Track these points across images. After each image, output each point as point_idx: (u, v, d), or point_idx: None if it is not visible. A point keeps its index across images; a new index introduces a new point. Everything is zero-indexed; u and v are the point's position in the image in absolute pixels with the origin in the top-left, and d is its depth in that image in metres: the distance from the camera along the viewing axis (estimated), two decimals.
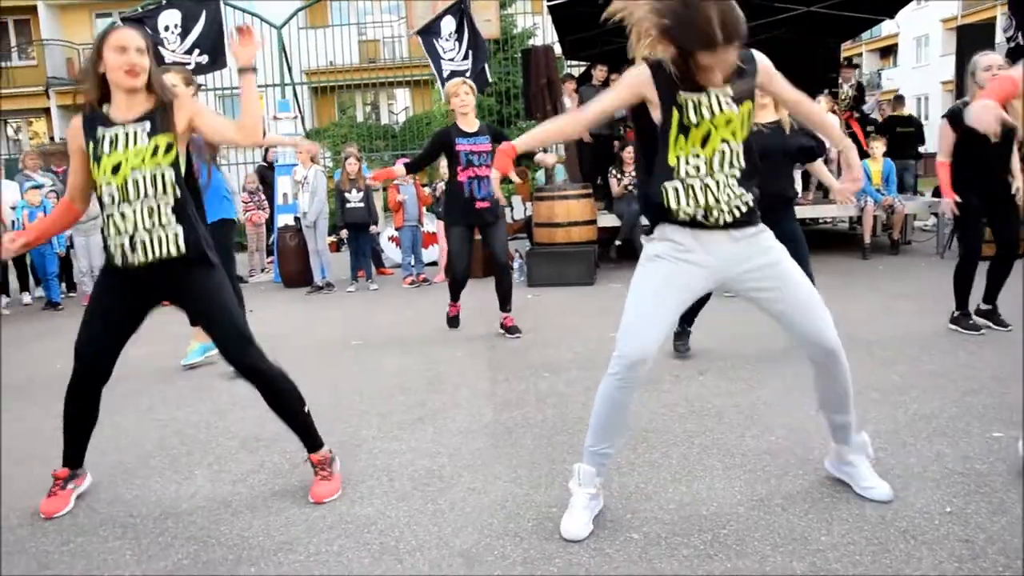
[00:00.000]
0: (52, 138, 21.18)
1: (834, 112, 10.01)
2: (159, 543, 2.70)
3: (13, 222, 8.80)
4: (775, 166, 4.61)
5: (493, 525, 2.69)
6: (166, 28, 10.01)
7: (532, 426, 3.71)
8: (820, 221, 12.24)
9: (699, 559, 2.39)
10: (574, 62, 13.38)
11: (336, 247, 11.70)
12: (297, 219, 9.41)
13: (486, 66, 10.35)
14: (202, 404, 4.39)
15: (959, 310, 5.16)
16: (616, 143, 10.19)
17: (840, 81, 11.10)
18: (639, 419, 3.68)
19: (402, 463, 3.32)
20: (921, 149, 11.92)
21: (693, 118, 2.44)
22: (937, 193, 10.60)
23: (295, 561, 2.52)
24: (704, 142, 2.47)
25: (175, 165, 2.83)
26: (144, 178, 2.77)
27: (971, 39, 9.34)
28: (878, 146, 9.18)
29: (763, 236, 2.61)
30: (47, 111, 22.69)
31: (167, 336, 5.86)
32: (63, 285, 9.54)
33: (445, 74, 10.11)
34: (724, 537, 2.51)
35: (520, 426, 3.72)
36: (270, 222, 10.95)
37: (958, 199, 4.95)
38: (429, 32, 10.24)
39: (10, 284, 9.42)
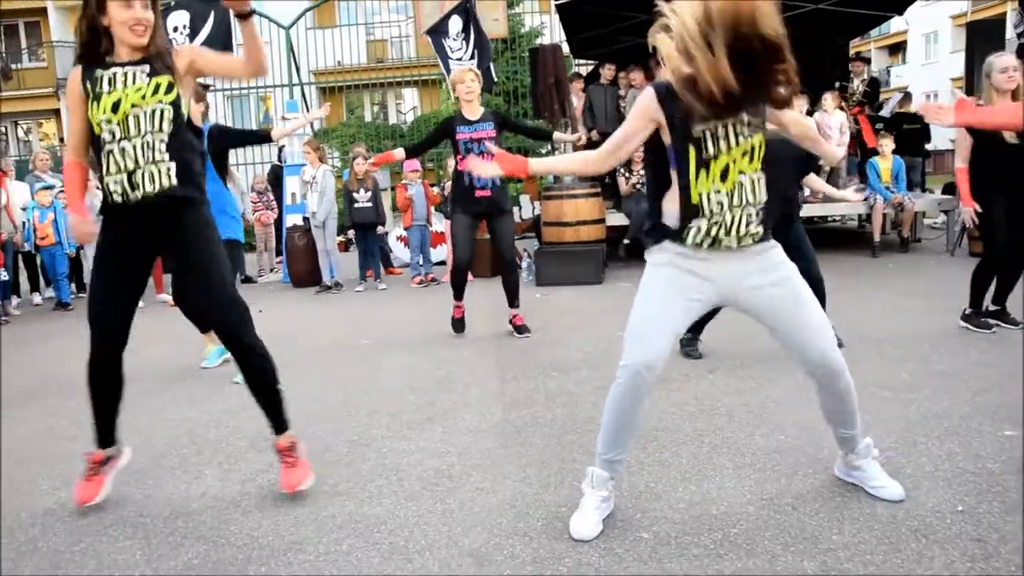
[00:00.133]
0: (62, 139, 21.28)
1: (841, 109, 9.96)
2: (169, 543, 2.71)
3: (24, 223, 8.85)
4: (780, 174, 4.60)
5: (502, 525, 2.69)
6: (175, 29, 10.03)
7: (541, 425, 3.71)
8: (829, 219, 12.22)
9: (709, 558, 2.38)
10: (582, 61, 13.36)
11: (345, 247, 11.73)
12: (306, 219, 9.43)
13: (491, 65, 10.34)
14: (212, 404, 4.40)
15: (972, 308, 5.13)
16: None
17: (851, 75, 11.03)
18: (649, 418, 3.67)
19: (411, 462, 3.32)
20: (928, 147, 11.85)
21: (711, 151, 2.42)
22: (947, 190, 10.58)
23: (305, 561, 2.52)
24: (724, 176, 2.44)
25: (175, 104, 2.82)
26: (144, 114, 2.76)
27: (981, 35, 9.30)
28: (887, 143, 9.14)
29: (773, 252, 2.58)
30: (57, 112, 22.81)
31: (177, 337, 5.89)
32: (73, 286, 9.57)
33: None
34: (734, 536, 2.50)
35: (529, 425, 3.72)
36: (279, 222, 10.97)
37: (979, 208, 4.90)
38: (438, 32, 10.25)
39: (21, 285, 9.47)
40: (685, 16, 2.18)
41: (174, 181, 2.82)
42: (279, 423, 3.08)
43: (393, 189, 11.08)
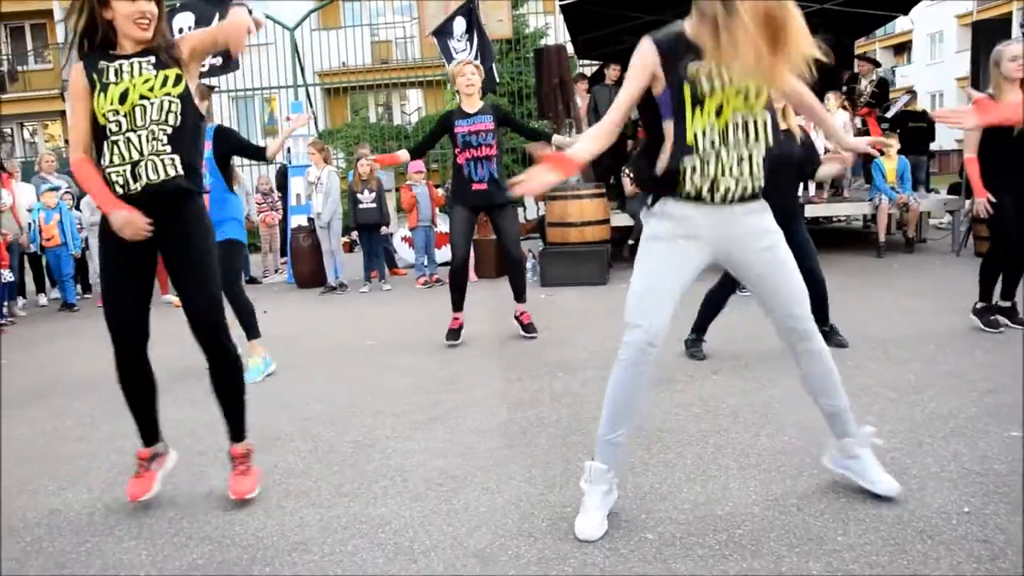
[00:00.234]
0: (67, 141, 21.34)
1: (844, 108, 9.94)
2: (174, 543, 2.71)
3: (30, 224, 8.88)
4: (784, 176, 4.62)
5: (507, 525, 2.69)
6: (180, 31, 10.05)
7: (546, 426, 3.71)
8: (834, 219, 12.18)
9: (714, 559, 2.38)
10: (586, 61, 13.36)
11: (349, 248, 11.74)
12: (310, 220, 9.44)
13: (493, 67, 10.34)
14: (215, 405, 4.39)
15: (982, 302, 5.12)
16: (629, 143, 10.17)
17: (859, 76, 11.00)
18: (653, 419, 3.67)
19: (416, 463, 3.32)
20: (932, 146, 11.83)
21: (706, 88, 2.43)
22: (953, 190, 10.56)
23: (309, 561, 2.52)
24: (718, 113, 2.46)
25: (183, 97, 2.81)
26: (152, 106, 2.75)
27: (987, 35, 9.25)
28: (892, 143, 9.12)
29: (765, 216, 2.63)
30: (63, 114, 22.86)
31: (180, 338, 5.89)
32: (79, 287, 9.60)
33: None
34: (739, 537, 2.50)
35: (534, 426, 3.72)
36: (284, 223, 10.99)
37: (992, 198, 4.85)
38: (443, 33, 10.25)
39: (27, 286, 9.50)
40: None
41: (179, 171, 2.80)
42: (239, 430, 3.09)
43: (398, 190, 11.08)
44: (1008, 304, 5.12)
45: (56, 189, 9.01)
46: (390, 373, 4.94)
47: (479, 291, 7.90)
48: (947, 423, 3.40)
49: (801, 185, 5.68)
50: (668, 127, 2.52)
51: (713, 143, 2.47)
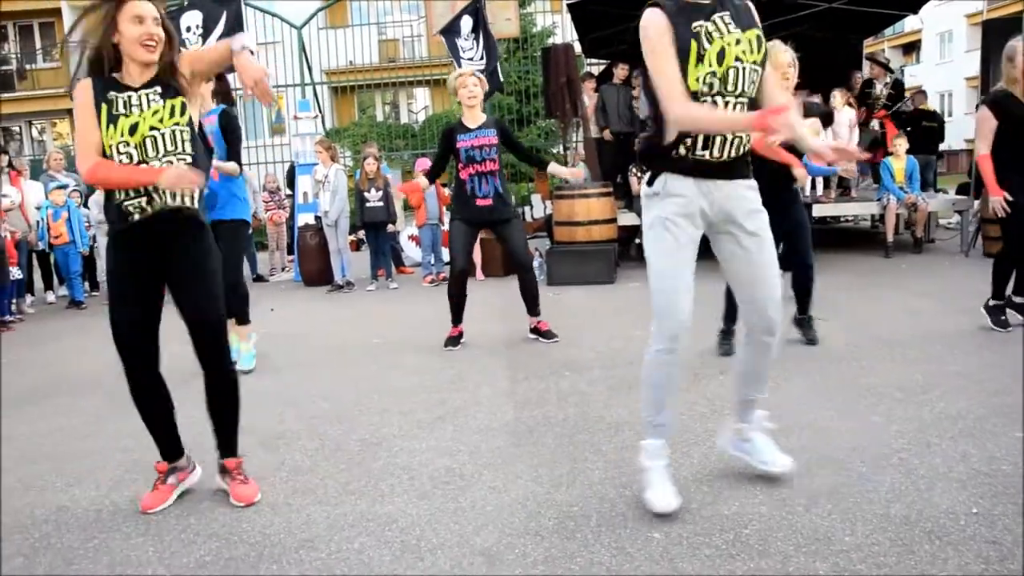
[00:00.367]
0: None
1: (850, 105, 9.91)
2: (181, 540, 2.72)
3: (38, 222, 8.91)
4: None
5: (514, 524, 2.68)
6: (188, 29, 10.07)
7: (553, 425, 3.70)
8: (841, 219, 12.16)
9: (721, 559, 2.37)
10: (594, 60, 13.35)
11: (356, 246, 11.75)
12: (318, 218, 9.46)
13: (498, 67, 10.33)
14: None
15: (995, 299, 5.09)
16: (636, 142, 10.16)
17: (873, 81, 10.96)
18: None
19: (423, 461, 3.32)
20: (941, 147, 11.80)
21: (706, 43, 2.50)
22: (962, 190, 10.52)
23: (316, 559, 2.53)
24: (720, 59, 2.51)
25: (190, 124, 2.85)
26: (163, 136, 2.76)
27: (997, 34, 9.20)
28: (901, 143, 9.09)
29: (754, 196, 2.69)
30: (70, 112, 22.94)
31: (186, 337, 5.90)
32: (86, 284, 9.64)
33: None
34: (746, 537, 2.49)
35: (541, 425, 3.71)
36: (291, 221, 11.01)
37: (1008, 196, 4.79)
38: (450, 31, 10.26)
39: (35, 283, 9.53)
40: None
41: (196, 201, 2.86)
42: (234, 444, 3.09)
43: None
44: (1022, 300, 5.08)
45: (64, 187, 9.05)
46: (397, 372, 4.94)
47: (485, 290, 7.91)
48: (955, 423, 3.38)
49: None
50: None
51: (712, 87, 2.53)
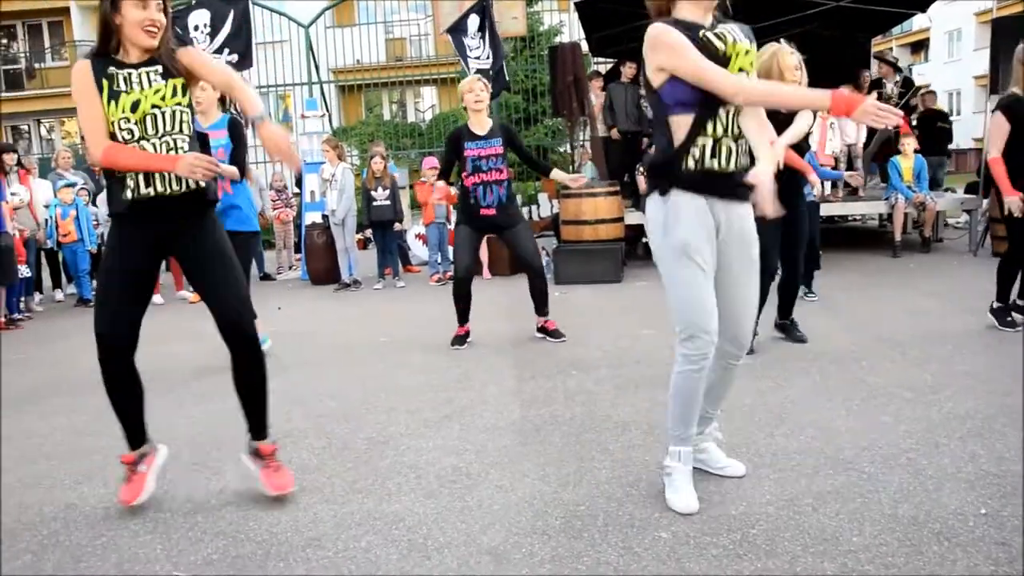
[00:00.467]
0: (83, 137, 21.48)
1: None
2: (189, 538, 2.72)
3: (46, 220, 8.94)
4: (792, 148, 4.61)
5: (521, 523, 2.68)
6: (195, 28, 10.10)
7: (560, 424, 3.70)
8: (849, 218, 12.12)
9: (728, 559, 2.37)
10: (601, 59, 13.33)
11: (363, 245, 11.77)
12: (325, 216, 9.47)
13: (504, 66, 10.32)
14: (231, 400, 4.40)
15: (1000, 302, 5.07)
16: (644, 140, 10.15)
17: (883, 81, 10.91)
18: (667, 418, 3.65)
19: (429, 460, 3.33)
20: (949, 146, 11.76)
21: (719, 47, 2.53)
22: (970, 189, 10.48)
23: (323, 557, 2.53)
24: (726, 67, 2.54)
25: (190, 106, 2.85)
26: (164, 115, 2.76)
27: (1006, 32, 9.16)
28: (909, 142, 9.05)
29: (750, 220, 2.74)
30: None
31: (196, 334, 5.93)
32: (94, 282, 9.65)
33: (472, 71, 10.13)
34: (753, 537, 2.49)
35: (548, 424, 3.71)
36: (298, 219, 11.03)
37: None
38: (457, 30, 10.26)
39: (43, 281, 9.57)
40: None
41: (197, 186, 2.82)
42: (264, 426, 3.07)
43: (411, 187, 11.11)
44: None
45: (72, 185, 9.07)
46: (404, 370, 4.94)
47: (493, 289, 7.91)
48: (964, 424, 3.37)
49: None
50: (675, 121, 2.60)
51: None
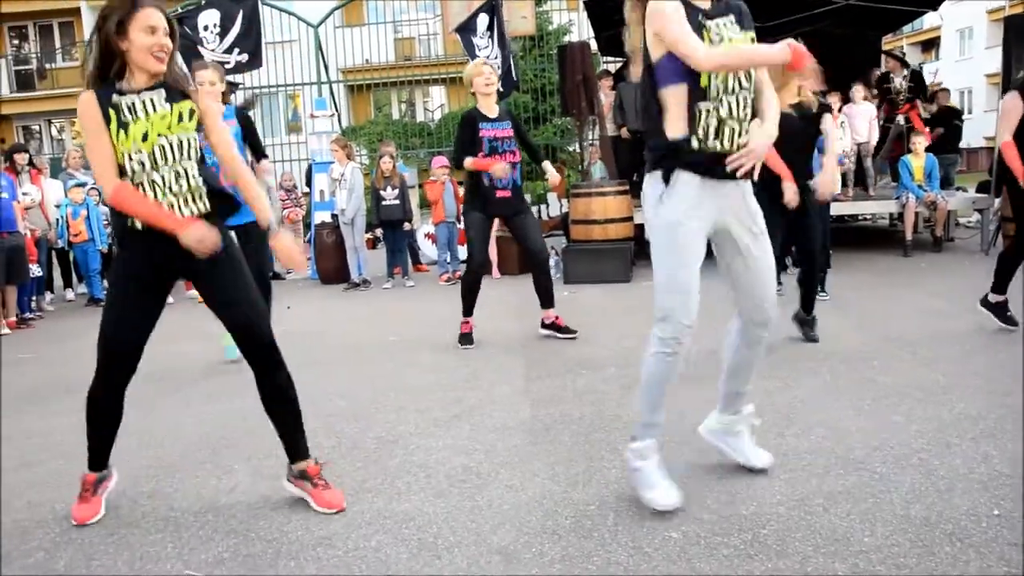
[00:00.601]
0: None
1: (866, 100, 9.82)
2: (199, 536, 2.73)
3: (57, 220, 8.98)
4: (796, 150, 4.59)
5: (531, 522, 2.68)
6: (205, 28, 10.13)
7: (569, 423, 3.70)
8: (860, 217, 12.07)
9: (739, 559, 2.36)
10: (610, 58, 13.32)
11: (373, 244, 11.79)
12: (334, 216, 9.49)
13: (512, 67, 10.31)
14: (241, 399, 4.42)
15: (996, 293, 4.97)
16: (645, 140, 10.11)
17: (890, 75, 10.86)
18: (682, 417, 3.65)
19: (439, 459, 3.33)
20: (960, 144, 11.72)
21: (715, 39, 2.54)
22: (981, 188, 10.42)
23: (334, 556, 2.54)
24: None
25: (199, 130, 2.83)
26: (171, 144, 2.73)
27: (1019, 30, 9.12)
28: (920, 141, 9.01)
29: (752, 198, 2.75)
30: None
31: (205, 334, 5.94)
32: (105, 282, 9.69)
33: None
34: (764, 537, 2.48)
35: (558, 423, 3.71)
36: (308, 219, 11.05)
37: None
38: (466, 29, 10.26)
39: (54, 281, 9.61)
40: None
41: (207, 207, 2.81)
42: (305, 446, 2.98)
43: (421, 186, 11.12)
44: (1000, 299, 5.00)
45: (83, 185, 9.11)
46: (413, 370, 4.95)
47: (502, 288, 7.91)
48: (976, 424, 3.35)
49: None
50: (671, 93, 2.61)
51: (718, 89, 2.58)
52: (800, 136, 4.59)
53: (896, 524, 2.51)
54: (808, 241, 4.93)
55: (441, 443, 3.53)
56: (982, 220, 9.20)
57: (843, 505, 2.66)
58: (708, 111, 2.58)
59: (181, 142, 2.76)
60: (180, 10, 10.55)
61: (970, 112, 29.23)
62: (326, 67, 12.38)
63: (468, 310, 5.52)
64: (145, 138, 2.69)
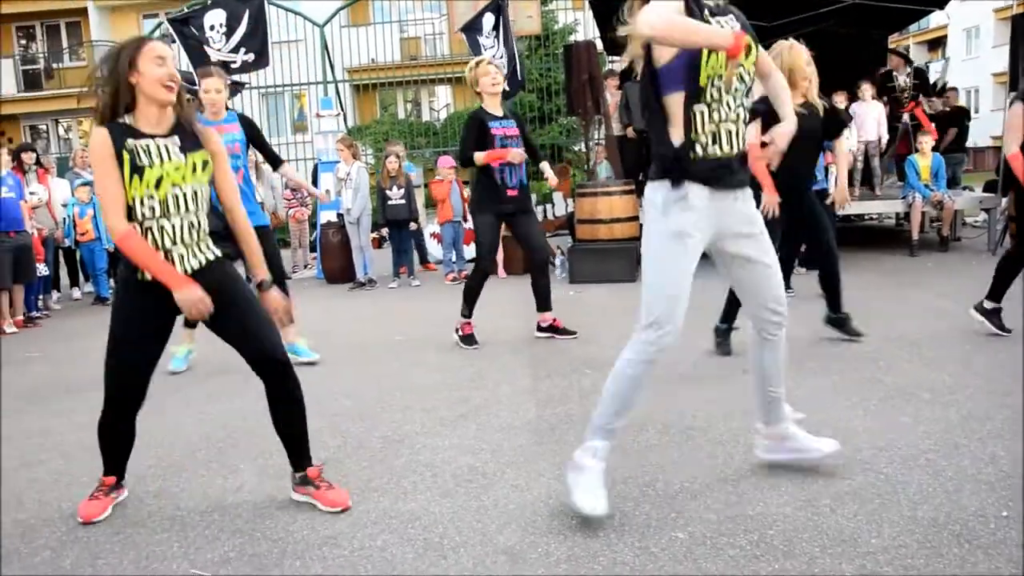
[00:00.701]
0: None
1: (873, 99, 9.79)
2: (205, 536, 2.73)
3: (64, 219, 9.00)
4: (805, 149, 4.57)
5: (537, 522, 2.68)
6: (211, 28, 10.14)
7: (575, 423, 3.69)
8: (866, 217, 12.04)
9: (745, 559, 2.35)
10: (615, 57, 13.28)
11: (378, 244, 11.80)
12: (340, 215, 9.50)
13: (518, 67, 10.30)
14: (247, 399, 4.42)
15: (990, 300, 4.91)
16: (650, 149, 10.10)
17: (893, 74, 10.83)
18: (683, 417, 3.65)
19: (445, 459, 3.32)
20: (967, 143, 11.72)
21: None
22: (988, 188, 10.39)
23: (339, 556, 2.54)
24: (726, 62, 2.51)
25: (211, 181, 2.88)
26: (185, 194, 2.76)
27: None
28: (927, 140, 8.98)
29: (751, 202, 2.74)
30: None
31: (208, 333, 5.95)
32: (112, 281, 9.72)
33: None
34: (771, 538, 2.47)
35: (563, 423, 3.70)
36: (313, 218, 11.06)
37: None
38: (472, 29, 10.27)
39: (61, 279, 9.64)
40: None
41: (218, 253, 2.88)
42: (308, 452, 2.99)
43: (427, 186, 11.12)
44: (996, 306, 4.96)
45: (89, 184, 9.13)
46: (419, 369, 4.95)
47: (507, 288, 7.90)
48: (984, 425, 3.34)
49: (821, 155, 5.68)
50: (672, 100, 2.59)
51: (720, 91, 2.55)
52: (809, 138, 4.58)
53: (903, 525, 2.50)
54: (821, 242, 4.91)
55: (447, 443, 3.53)
56: (989, 220, 9.16)
57: (850, 506, 2.66)
58: (703, 113, 2.55)
59: (195, 192, 2.80)
60: (186, 10, 10.58)
61: (977, 111, 29.13)
62: (332, 66, 12.40)
63: (470, 311, 5.51)
64: (159, 185, 2.72)
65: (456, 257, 9.29)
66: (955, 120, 10.79)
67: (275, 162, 5.55)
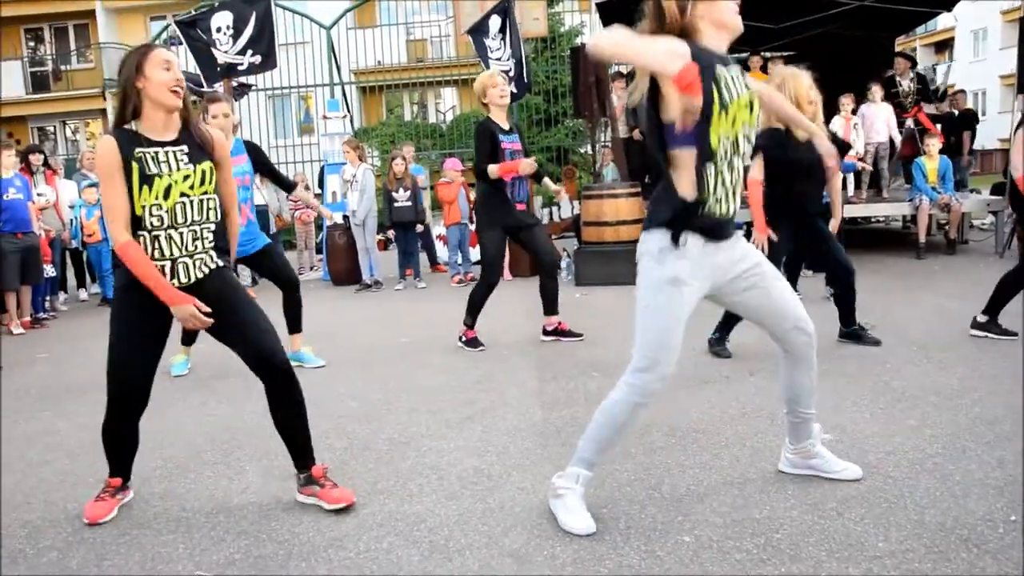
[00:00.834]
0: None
1: (886, 100, 9.76)
2: (211, 537, 2.74)
3: (71, 220, 9.03)
4: (812, 175, 4.59)
5: (543, 525, 2.68)
6: (218, 30, 10.16)
7: (581, 426, 3.65)
8: (872, 220, 12.00)
9: (752, 563, 2.35)
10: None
11: (384, 246, 11.81)
12: (346, 217, 9.51)
13: (524, 71, 10.30)
14: (250, 401, 4.43)
15: (987, 314, 4.91)
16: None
17: (896, 77, 10.78)
18: (689, 420, 3.64)
19: (451, 461, 3.32)
20: (973, 146, 11.69)
21: (727, 96, 2.41)
22: (996, 190, 10.35)
23: (345, 558, 2.53)
24: (733, 122, 2.46)
25: (217, 191, 2.89)
26: (192, 204, 2.79)
27: None
28: (934, 144, 8.95)
29: (742, 241, 2.72)
30: (104, 112, 23.24)
31: (202, 336, 5.96)
32: None
33: None
34: (777, 541, 2.47)
35: (569, 425, 3.70)
36: (319, 220, 11.08)
37: None
38: (479, 31, 10.27)
39: (68, 281, 9.66)
40: None
41: (219, 262, 2.91)
42: (313, 454, 3.00)
43: (433, 188, 11.13)
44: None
45: (96, 185, 9.16)
46: (425, 371, 4.95)
47: (513, 290, 7.90)
48: (992, 429, 3.32)
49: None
50: (683, 155, 2.49)
51: (727, 151, 2.48)
52: (819, 167, 4.57)
53: (911, 529, 2.49)
54: (836, 265, 4.92)
55: (453, 445, 3.53)
56: (996, 222, 9.14)
57: (857, 510, 2.65)
58: (714, 174, 2.48)
59: (202, 203, 2.82)
60: (194, 12, 10.60)
61: (984, 114, 29.04)
62: (338, 68, 12.43)
63: (473, 321, 5.52)
64: (168, 195, 2.74)
65: (462, 260, 9.29)
66: (967, 123, 10.76)
67: (287, 187, 5.61)
